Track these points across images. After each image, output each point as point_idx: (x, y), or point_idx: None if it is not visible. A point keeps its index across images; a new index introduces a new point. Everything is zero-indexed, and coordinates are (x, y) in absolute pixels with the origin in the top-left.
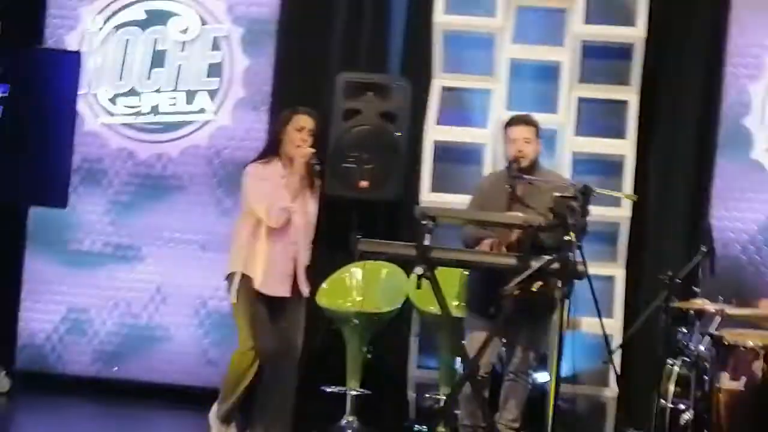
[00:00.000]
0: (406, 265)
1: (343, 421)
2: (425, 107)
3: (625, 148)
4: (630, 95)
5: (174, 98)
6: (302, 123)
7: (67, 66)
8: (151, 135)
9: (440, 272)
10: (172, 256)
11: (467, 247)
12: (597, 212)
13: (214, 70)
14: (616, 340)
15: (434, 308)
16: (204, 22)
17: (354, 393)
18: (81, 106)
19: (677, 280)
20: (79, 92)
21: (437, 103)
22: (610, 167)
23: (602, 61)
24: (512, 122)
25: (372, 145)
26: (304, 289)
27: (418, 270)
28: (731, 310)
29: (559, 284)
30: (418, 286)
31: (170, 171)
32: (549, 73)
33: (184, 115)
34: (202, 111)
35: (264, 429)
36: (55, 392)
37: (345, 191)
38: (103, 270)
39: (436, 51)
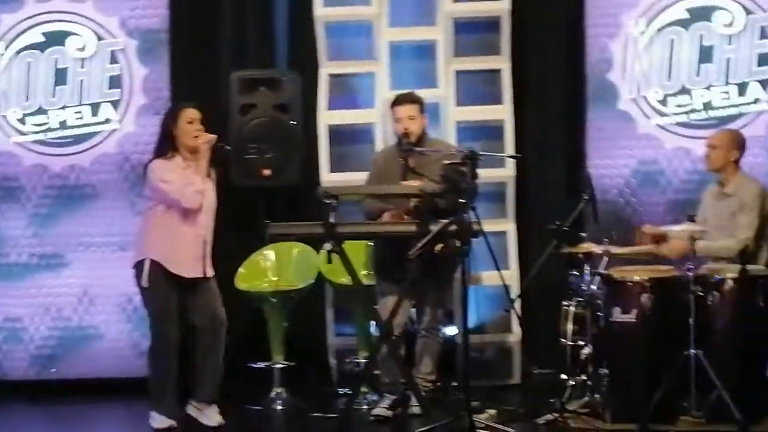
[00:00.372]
0: (315, 242)
1: (273, 394)
2: (315, 95)
3: (503, 112)
4: (502, 64)
5: (80, 112)
6: (191, 115)
7: None
8: (62, 149)
9: (347, 246)
10: (95, 259)
11: (370, 220)
12: (484, 174)
13: (115, 81)
14: (515, 289)
15: (345, 279)
16: (100, 38)
17: (279, 366)
18: None
19: (564, 228)
20: None
21: (326, 90)
22: (492, 132)
23: (473, 35)
24: (397, 102)
25: (270, 135)
26: (210, 270)
27: (327, 246)
28: (616, 250)
29: (458, 244)
30: (329, 261)
31: (84, 180)
32: (426, 51)
33: (91, 127)
34: (107, 121)
35: (201, 396)
36: None
37: (249, 181)
38: (32, 279)
39: (319, 42)
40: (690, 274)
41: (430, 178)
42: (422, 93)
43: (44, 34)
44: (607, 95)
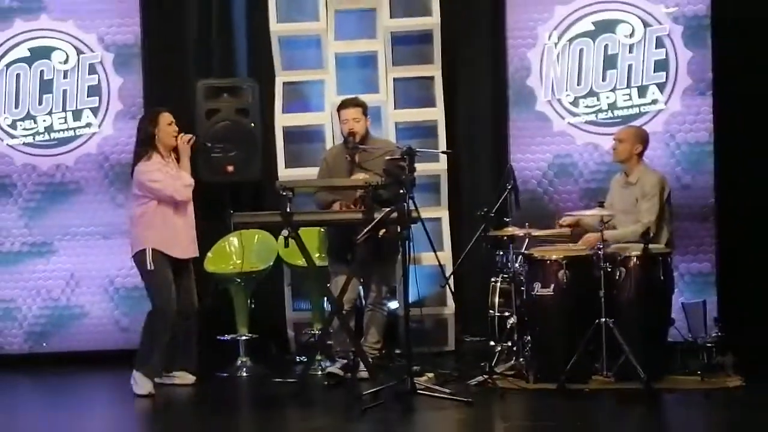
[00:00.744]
0: (274, 229)
1: (238, 362)
2: (272, 100)
3: (436, 114)
4: (435, 72)
5: (64, 117)
6: (170, 118)
7: None
8: (49, 150)
9: (302, 232)
10: (80, 246)
11: (321, 209)
12: (421, 168)
13: (94, 90)
14: (449, 267)
15: (301, 262)
16: (80, 52)
17: (244, 338)
18: None
19: (491, 214)
20: None
21: (281, 96)
22: (427, 131)
23: (409, 46)
24: (342, 105)
25: (232, 136)
26: (197, 251)
27: (285, 232)
28: (536, 232)
29: (399, 229)
30: (286, 245)
31: (69, 177)
32: (368, 61)
33: (74, 130)
34: (88, 125)
35: (180, 367)
36: None
37: (215, 177)
38: (24, 265)
39: (275, 54)
40: (600, 252)
41: (374, 172)
42: (365, 98)
43: (30, 49)
44: (526, 98)
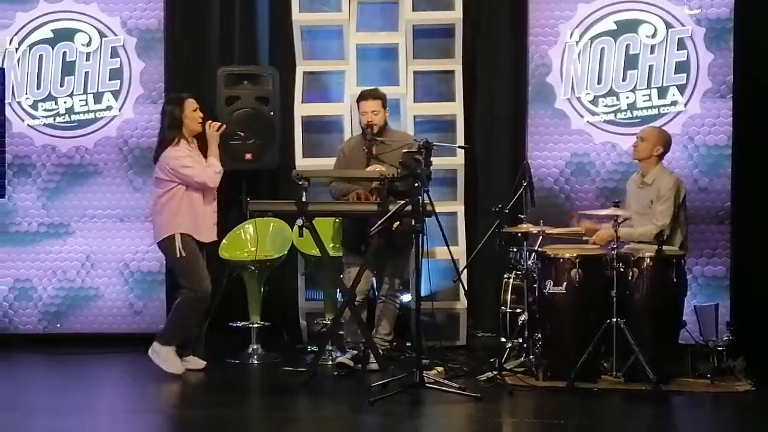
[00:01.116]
0: (289, 218)
1: (250, 349)
2: (292, 90)
3: (455, 108)
4: (455, 66)
5: (84, 100)
6: (195, 105)
7: None
8: (69, 131)
9: (317, 222)
10: (96, 229)
11: (336, 200)
12: (438, 162)
13: (115, 73)
14: (462, 262)
15: (315, 251)
16: (103, 35)
17: (256, 326)
18: (9, 113)
19: (506, 210)
20: (6, 101)
21: (301, 85)
22: (445, 125)
23: (430, 40)
24: (362, 97)
25: (252, 124)
26: (216, 235)
27: (299, 222)
28: (550, 230)
29: (414, 222)
30: (300, 235)
31: (88, 160)
32: (389, 53)
33: (95, 113)
34: (109, 108)
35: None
36: (10, 349)
37: (234, 164)
38: (41, 246)
39: (296, 43)
40: (613, 252)
41: (390, 164)
42: (385, 90)
43: (54, 30)
44: (545, 96)
